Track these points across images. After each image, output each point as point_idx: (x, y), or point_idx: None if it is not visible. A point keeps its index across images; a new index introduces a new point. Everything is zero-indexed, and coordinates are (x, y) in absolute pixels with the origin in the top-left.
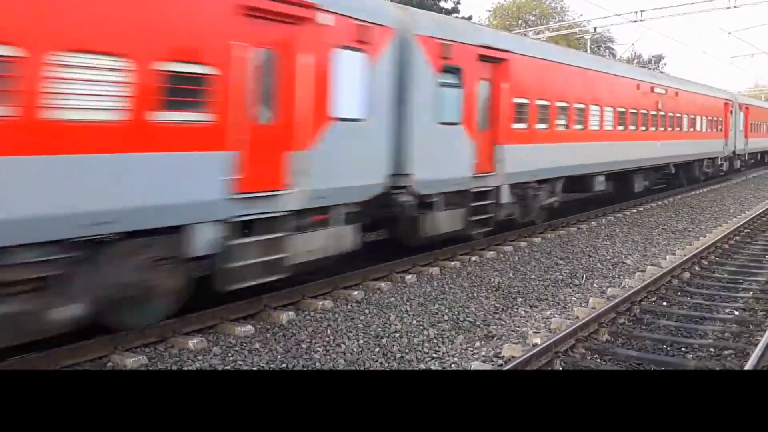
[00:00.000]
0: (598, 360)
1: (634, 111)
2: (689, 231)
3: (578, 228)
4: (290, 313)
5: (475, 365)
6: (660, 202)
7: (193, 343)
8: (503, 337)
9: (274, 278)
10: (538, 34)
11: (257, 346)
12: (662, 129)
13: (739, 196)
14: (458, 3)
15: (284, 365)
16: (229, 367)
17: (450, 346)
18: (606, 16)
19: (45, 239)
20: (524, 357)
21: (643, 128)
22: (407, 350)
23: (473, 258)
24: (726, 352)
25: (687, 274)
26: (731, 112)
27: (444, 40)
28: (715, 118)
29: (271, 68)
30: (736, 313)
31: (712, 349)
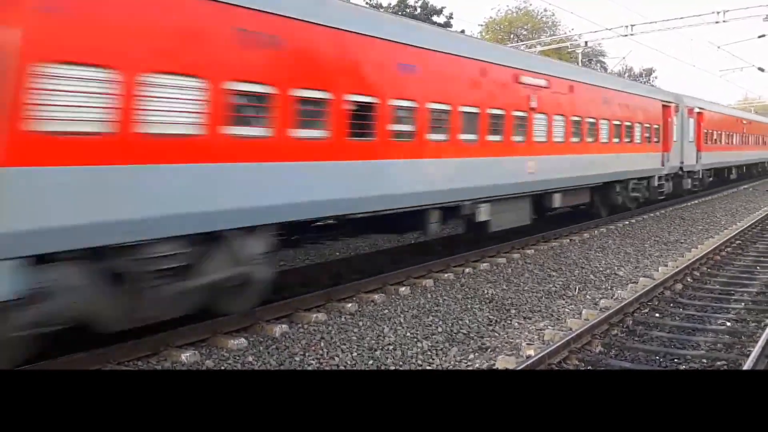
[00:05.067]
0: None
1: (474, 111)
2: (681, 242)
3: (571, 240)
4: (283, 325)
5: None
6: (652, 214)
7: (185, 356)
8: (497, 349)
9: None
10: (530, 47)
11: (250, 359)
12: (541, 139)
13: (731, 208)
14: (450, 17)
15: None
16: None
17: (444, 358)
18: (597, 30)
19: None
20: (518, 369)
21: (496, 137)
22: (401, 363)
23: (467, 270)
24: (719, 363)
25: (679, 286)
26: (676, 117)
27: None
28: (646, 125)
29: None
30: (729, 324)
31: (704, 360)
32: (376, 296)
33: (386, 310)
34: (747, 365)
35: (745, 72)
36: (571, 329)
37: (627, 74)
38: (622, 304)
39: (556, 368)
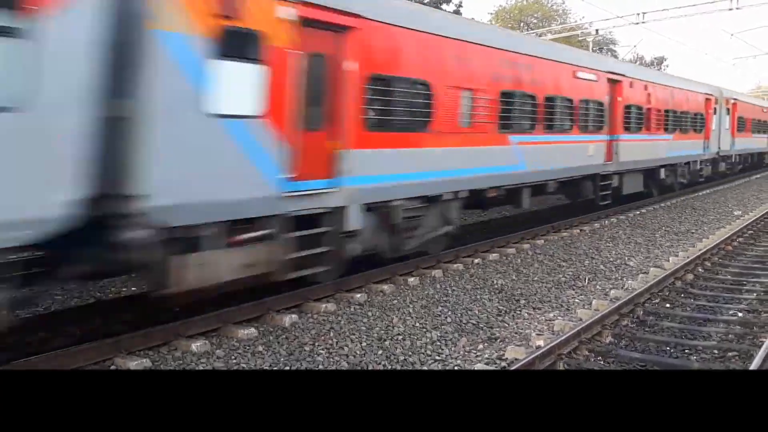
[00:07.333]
0: (602, 362)
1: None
2: (692, 232)
3: (581, 230)
4: (293, 315)
5: (479, 367)
6: (662, 204)
7: (196, 345)
8: (506, 340)
9: None
10: (540, 36)
11: (260, 348)
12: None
13: (742, 198)
14: (460, 5)
15: (287, 368)
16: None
17: (453, 349)
18: (608, 18)
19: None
20: (527, 359)
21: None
22: (410, 353)
23: (476, 260)
24: (730, 353)
25: (690, 276)
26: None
27: None
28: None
29: None
30: (740, 314)
31: (715, 351)
32: (385, 286)
33: (395, 301)
34: (758, 356)
35: (758, 60)
36: (581, 320)
37: (638, 62)
38: (633, 294)
39: (565, 359)
